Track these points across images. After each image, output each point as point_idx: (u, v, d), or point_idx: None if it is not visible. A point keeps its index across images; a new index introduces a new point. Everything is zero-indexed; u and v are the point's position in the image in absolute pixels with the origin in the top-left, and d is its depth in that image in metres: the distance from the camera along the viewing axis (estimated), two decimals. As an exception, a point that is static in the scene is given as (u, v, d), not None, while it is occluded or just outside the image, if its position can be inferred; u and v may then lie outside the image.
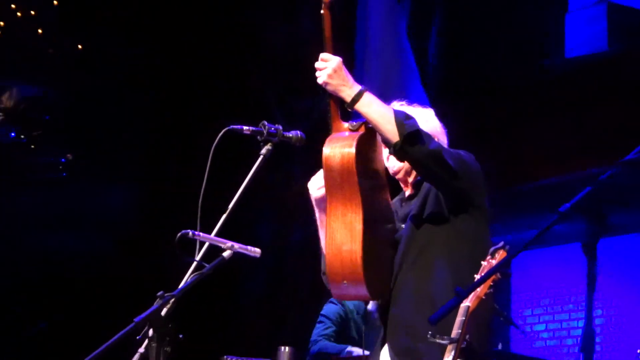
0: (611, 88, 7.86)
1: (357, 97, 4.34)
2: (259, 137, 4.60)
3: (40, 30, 9.86)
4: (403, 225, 4.56)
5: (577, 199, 3.25)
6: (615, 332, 9.44)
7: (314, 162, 4.89)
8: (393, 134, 4.22)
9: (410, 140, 4.20)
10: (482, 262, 4.19)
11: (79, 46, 9.92)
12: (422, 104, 9.12)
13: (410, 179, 4.72)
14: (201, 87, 10.24)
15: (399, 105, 4.67)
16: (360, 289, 4.38)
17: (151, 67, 10.22)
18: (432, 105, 9.27)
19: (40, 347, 9.56)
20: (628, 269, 9.13)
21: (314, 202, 4.68)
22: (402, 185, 4.81)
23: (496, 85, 9.27)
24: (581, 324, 9.25)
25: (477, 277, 4.13)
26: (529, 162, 8.38)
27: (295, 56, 10.14)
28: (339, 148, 4.33)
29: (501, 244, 4.17)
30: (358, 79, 8.92)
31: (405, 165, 4.66)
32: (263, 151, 4.57)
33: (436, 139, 4.58)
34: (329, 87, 4.41)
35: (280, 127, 4.64)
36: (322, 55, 4.43)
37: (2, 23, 9.75)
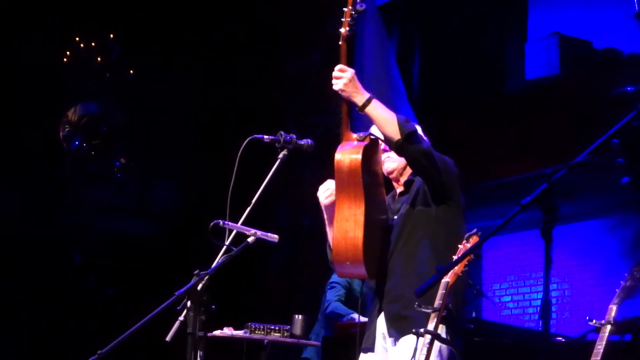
0: (561, 105, 7.83)
1: (367, 103, 4.35)
2: (276, 144, 4.59)
3: (99, 58, 9.85)
4: (395, 217, 4.55)
5: (535, 194, 3.22)
6: (567, 302, 9.41)
7: (321, 165, 4.89)
8: (395, 133, 4.27)
9: (409, 139, 4.25)
10: (459, 246, 4.16)
11: (131, 71, 9.91)
12: (409, 118, 9.12)
13: (403, 179, 4.70)
14: (232, 104, 10.23)
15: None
16: (360, 269, 4.41)
17: (191, 88, 10.21)
18: (418, 120, 9.29)
19: (106, 312, 9.56)
20: (577, 251, 9.10)
21: (322, 207, 4.67)
22: (394, 183, 4.78)
23: (467, 101, 9.24)
24: (540, 295, 9.22)
25: (454, 257, 4.10)
26: (495, 163, 8.35)
27: (307, 81, 10.14)
28: (348, 154, 4.38)
29: (474, 230, 4.14)
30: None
31: (398, 167, 4.65)
32: (280, 156, 4.56)
33: None
34: (344, 94, 4.41)
35: (294, 137, 4.63)
36: (339, 67, 4.45)
37: (68, 52, 9.74)
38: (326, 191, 4.62)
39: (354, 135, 4.47)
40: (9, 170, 9.59)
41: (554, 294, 9.24)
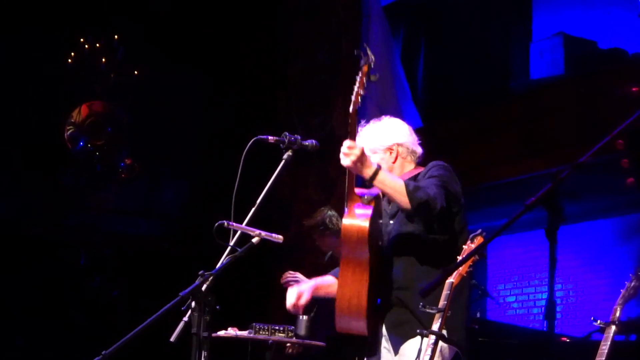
0: (566, 104, 7.82)
1: (374, 176, 4.26)
2: (281, 145, 4.58)
3: (104, 59, 9.86)
4: (391, 222, 4.52)
5: (540, 194, 3.22)
6: (572, 302, 9.41)
7: (326, 165, 4.90)
8: (405, 203, 4.21)
9: (419, 209, 4.20)
10: (464, 246, 4.17)
11: (135, 72, 9.92)
12: (414, 118, 9.14)
13: None
14: (238, 106, 10.24)
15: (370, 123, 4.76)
16: (362, 329, 4.44)
17: (197, 89, 10.23)
18: (422, 119, 9.29)
19: (111, 312, 9.58)
20: (582, 251, 9.10)
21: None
22: None
23: (472, 101, 9.24)
24: (545, 296, 9.21)
25: (459, 258, 4.10)
26: (500, 163, 8.34)
27: (311, 84, 10.15)
28: (356, 225, 4.36)
29: (479, 231, 4.13)
30: (361, 100, 8.93)
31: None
32: (285, 156, 4.55)
33: (405, 146, 4.61)
34: (352, 170, 4.35)
35: (299, 137, 4.62)
36: (349, 144, 4.31)
37: (72, 53, 9.75)
38: (295, 302, 4.68)
39: (362, 197, 4.48)
40: (16, 170, 9.61)
41: (558, 294, 9.25)
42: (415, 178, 4.45)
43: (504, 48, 10.21)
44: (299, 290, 4.71)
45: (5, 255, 9.11)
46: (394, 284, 4.47)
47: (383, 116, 4.86)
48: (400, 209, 4.48)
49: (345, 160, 4.30)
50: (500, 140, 8.41)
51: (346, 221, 4.38)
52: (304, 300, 4.70)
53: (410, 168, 4.68)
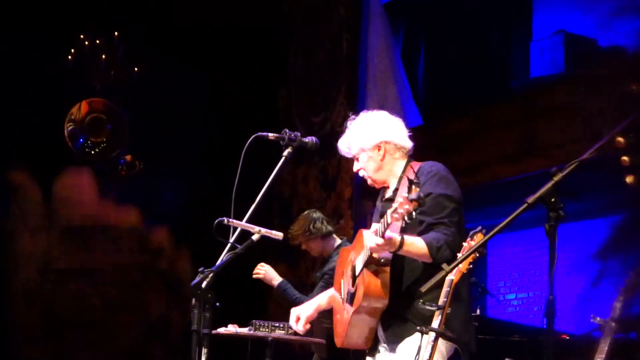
0: (567, 101, 7.82)
1: (400, 247, 4.20)
2: (281, 142, 4.57)
3: (104, 56, 9.87)
4: (374, 224, 4.50)
5: (540, 192, 3.22)
6: (572, 301, 9.41)
7: (327, 163, 4.92)
8: (428, 259, 4.27)
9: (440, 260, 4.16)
10: (463, 244, 4.17)
11: (135, 69, 9.92)
12: (414, 116, 9.14)
13: (387, 184, 4.69)
14: (240, 104, 10.25)
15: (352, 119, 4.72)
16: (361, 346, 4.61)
17: (198, 87, 10.24)
18: (422, 117, 9.30)
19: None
20: (582, 249, 9.10)
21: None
22: (379, 186, 4.78)
23: (472, 99, 9.25)
24: (544, 293, 9.23)
25: (459, 255, 4.10)
26: (500, 162, 8.36)
27: (312, 82, 10.16)
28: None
29: (479, 228, 4.13)
30: (362, 98, 8.93)
31: (378, 179, 4.67)
32: (285, 153, 4.54)
33: (393, 143, 4.61)
34: (381, 255, 4.38)
35: (299, 134, 4.61)
36: (382, 241, 4.23)
37: (73, 50, 9.76)
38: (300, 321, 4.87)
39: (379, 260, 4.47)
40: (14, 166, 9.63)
41: (558, 291, 9.26)
42: (413, 183, 4.38)
43: (504, 46, 10.22)
44: (298, 314, 4.81)
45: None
46: (394, 288, 4.47)
47: (374, 113, 4.84)
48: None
49: (378, 251, 4.30)
50: (500, 138, 8.42)
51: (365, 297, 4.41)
52: (307, 325, 4.79)
53: (401, 163, 4.66)
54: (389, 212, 4.13)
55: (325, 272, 6.80)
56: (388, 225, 4.13)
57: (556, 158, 7.53)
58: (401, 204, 3.99)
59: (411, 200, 3.97)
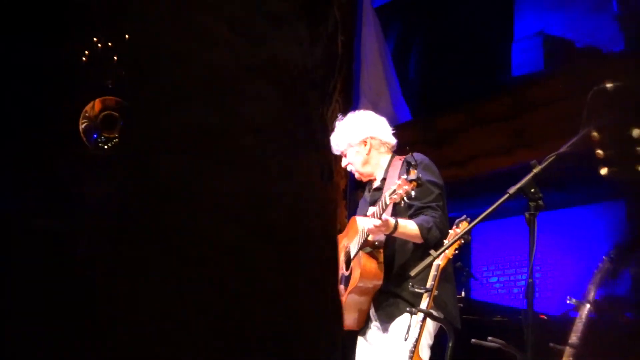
0: (545, 98, 7.83)
1: (394, 231, 4.29)
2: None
3: (115, 57, 9.86)
4: (373, 208, 4.51)
5: (521, 183, 3.22)
6: (550, 283, 9.43)
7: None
8: (419, 239, 4.36)
9: (430, 239, 4.30)
10: (449, 231, 4.18)
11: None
12: (404, 112, 9.13)
13: (373, 177, 4.71)
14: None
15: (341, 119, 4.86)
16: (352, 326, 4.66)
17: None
18: (412, 113, 9.29)
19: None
20: (560, 235, 9.13)
21: None
22: (366, 179, 4.81)
23: (458, 97, 9.25)
24: (524, 277, 9.25)
25: (445, 242, 4.12)
26: (486, 155, 8.36)
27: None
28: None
29: (463, 217, 4.15)
30: (356, 94, 8.90)
31: (365, 172, 4.70)
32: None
33: (378, 139, 4.64)
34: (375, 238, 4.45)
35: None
36: (379, 222, 4.34)
37: (87, 51, 9.75)
38: None
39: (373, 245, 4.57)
40: (36, 162, 9.61)
41: (537, 275, 9.28)
42: (411, 165, 4.40)
43: (488, 47, 10.22)
44: None
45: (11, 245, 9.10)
46: (386, 270, 4.48)
47: (360, 113, 4.88)
48: (377, 200, 4.52)
49: (376, 232, 4.33)
50: (484, 133, 8.42)
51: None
52: None
53: (386, 158, 4.68)
54: (386, 194, 4.15)
55: None
56: (386, 206, 4.16)
57: (539, 151, 7.55)
58: (400, 185, 4.02)
59: (410, 181, 4.00)
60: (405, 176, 4.04)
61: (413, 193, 4.05)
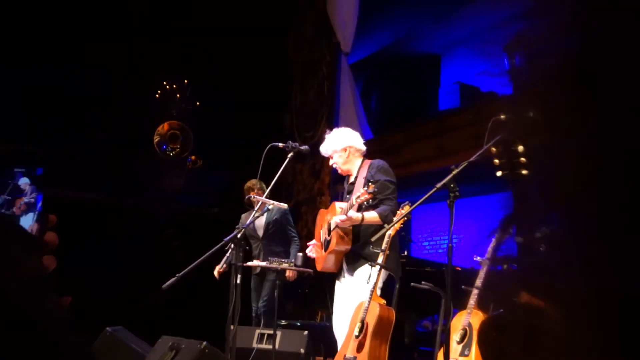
0: (459, 124, 7.83)
1: (362, 221, 4.27)
2: (286, 148, 4.56)
3: (178, 95, 9.82)
4: (348, 196, 4.51)
5: (444, 180, 3.22)
6: (463, 246, 9.43)
7: (315, 162, 4.92)
8: (378, 222, 4.29)
9: (387, 221, 4.19)
10: (397, 211, 4.17)
11: (197, 103, 9.89)
12: (367, 132, 9.06)
13: (350, 173, 4.72)
14: (260, 124, 10.18)
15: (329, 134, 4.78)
16: (331, 269, 4.59)
17: (235, 115, 10.17)
18: (373, 133, 9.24)
19: (177, 253, 9.51)
20: (471, 215, 9.13)
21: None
22: (345, 174, 4.81)
23: (402, 123, 9.24)
24: (446, 242, 9.29)
25: (395, 219, 4.11)
26: (419, 161, 8.36)
27: (305, 110, 10.10)
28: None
29: (406, 202, 4.13)
30: (337, 119, 8.76)
31: (345, 170, 4.71)
32: (289, 156, 4.54)
33: (354, 147, 4.63)
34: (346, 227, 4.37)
35: (297, 144, 4.60)
36: (342, 217, 4.31)
37: (159, 91, 9.71)
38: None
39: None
40: (125, 164, 9.57)
41: (455, 240, 9.29)
42: (370, 181, 4.41)
43: (423, 91, 10.25)
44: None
45: (113, 217, 9.02)
46: (355, 237, 4.48)
47: (342, 129, 4.91)
48: (353, 190, 4.53)
49: (342, 225, 4.35)
50: (419, 146, 8.43)
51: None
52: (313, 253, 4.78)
53: (359, 161, 4.70)
54: (353, 197, 4.17)
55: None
56: (352, 206, 4.19)
57: (457, 160, 7.56)
58: (363, 194, 4.06)
59: (369, 193, 4.03)
60: (366, 188, 4.08)
61: (370, 197, 4.10)
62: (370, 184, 4.08)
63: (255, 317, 6.49)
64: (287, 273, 6.31)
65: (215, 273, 5.80)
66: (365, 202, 4.15)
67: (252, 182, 6.58)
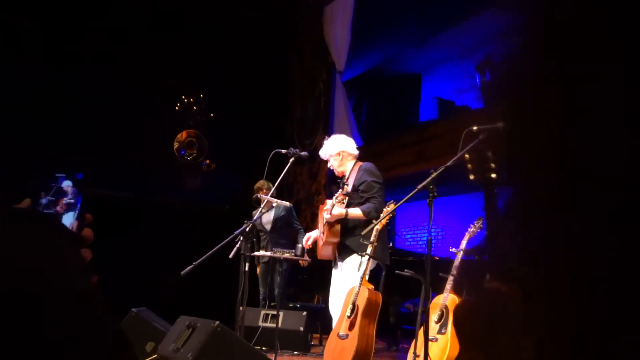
0: (439, 134, 7.83)
1: (346, 216, 4.24)
2: (288, 154, 4.56)
3: (195, 107, 9.81)
4: (329, 200, 4.54)
5: (424, 182, 3.22)
6: (442, 238, 9.43)
7: (312, 166, 4.92)
8: (361, 217, 4.26)
9: (372, 217, 4.19)
10: (384, 208, 4.16)
11: (211, 115, 9.88)
12: (358, 139, 9.04)
13: (345, 174, 4.73)
14: (265, 134, 10.18)
15: (328, 140, 4.76)
16: (330, 257, 4.56)
17: (245, 127, 10.15)
18: (363, 140, 9.23)
19: (196, 244, 9.47)
20: (447, 211, 9.13)
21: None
22: (340, 175, 4.81)
23: (387, 133, 9.24)
24: (426, 235, 9.29)
25: (382, 215, 4.10)
26: (401, 165, 8.35)
27: (304, 122, 10.07)
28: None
29: (392, 201, 4.13)
30: (332, 129, 8.70)
31: (340, 171, 4.71)
32: (290, 160, 4.53)
33: (347, 151, 4.63)
34: (333, 221, 4.34)
35: (298, 150, 4.60)
36: (327, 216, 4.30)
37: (178, 104, 9.69)
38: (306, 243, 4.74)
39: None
40: (152, 168, 9.55)
41: (434, 234, 9.31)
42: (344, 184, 4.43)
43: (405, 105, 10.25)
44: (309, 236, 4.75)
45: (140, 213, 9.03)
46: (344, 230, 4.48)
47: (338, 135, 4.92)
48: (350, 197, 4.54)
49: (330, 219, 4.35)
50: (402, 152, 8.43)
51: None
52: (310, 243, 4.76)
53: (352, 163, 4.70)
54: (333, 199, 4.24)
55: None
56: (333, 206, 4.22)
57: (436, 164, 7.56)
58: (338, 195, 4.11)
59: (344, 194, 4.08)
60: (341, 191, 4.15)
61: (345, 201, 4.16)
62: (345, 186, 4.14)
63: (262, 299, 6.49)
64: (301, 261, 6.32)
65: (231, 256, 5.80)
66: (343, 202, 4.22)
67: (261, 183, 6.57)
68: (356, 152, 4.75)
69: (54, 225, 0.75)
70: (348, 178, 4.63)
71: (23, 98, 8.24)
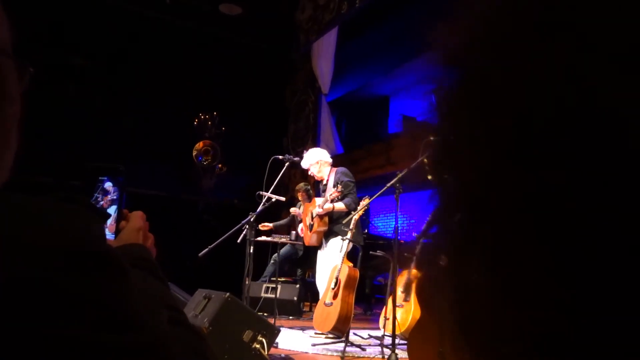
0: (403, 144, 7.83)
1: (334, 208, 4.23)
2: (285, 160, 4.53)
3: (209, 123, 9.74)
4: (323, 194, 4.53)
5: (392, 181, 3.21)
6: (407, 225, 9.44)
7: (303, 170, 4.87)
8: (347, 211, 4.24)
9: (353, 209, 4.12)
10: (360, 202, 4.15)
11: (223, 128, 9.81)
12: (340, 148, 9.00)
13: (323, 180, 4.71)
14: (266, 145, 10.09)
15: (312, 150, 4.71)
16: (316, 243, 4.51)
17: (251, 137, 10.07)
18: (343, 149, 9.19)
19: (212, 232, 9.39)
20: (412, 204, 9.14)
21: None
22: (320, 180, 4.79)
23: (361, 143, 9.22)
24: (393, 223, 9.29)
25: (358, 207, 4.09)
26: (373, 168, 8.35)
27: (297, 135, 10.03)
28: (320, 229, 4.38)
29: (366, 196, 4.12)
30: (319, 140, 8.62)
31: (318, 177, 4.68)
32: (285, 165, 4.51)
33: (324, 160, 4.60)
34: (322, 214, 4.30)
35: (292, 157, 4.58)
36: (319, 210, 4.21)
37: (196, 120, 9.62)
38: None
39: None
40: (176, 171, 9.46)
41: (400, 221, 9.29)
42: (338, 183, 4.41)
43: (377, 121, 10.25)
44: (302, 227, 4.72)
45: (168, 209, 8.94)
46: (330, 219, 4.47)
47: (317, 147, 4.91)
48: (325, 190, 4.51)
49: (321, 213, 4.32)
50: (376, 158, 8.43)
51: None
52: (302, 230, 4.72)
53: (328, 169, 4.70)
54: (327, 194, 4.21)
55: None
56: (327, 200, 4.19)
57: (401, 167, 7.55)
58: (333, 192, 4.08)
59: (338, 191, 4.05)
60: (336, 188, 4.13)
61: (339, 195, 4.14)
62: (339, 185, 4.11)
63: (264, 276, 6.48)
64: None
65: (260, 227, 5.76)
66: (336, 198, 4.20)
67: (299, 185, 6.48)
68: (330, 160, 4.75)
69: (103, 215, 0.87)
70: (327, 181, 4.62)
71: (82, 121, 8.14)
